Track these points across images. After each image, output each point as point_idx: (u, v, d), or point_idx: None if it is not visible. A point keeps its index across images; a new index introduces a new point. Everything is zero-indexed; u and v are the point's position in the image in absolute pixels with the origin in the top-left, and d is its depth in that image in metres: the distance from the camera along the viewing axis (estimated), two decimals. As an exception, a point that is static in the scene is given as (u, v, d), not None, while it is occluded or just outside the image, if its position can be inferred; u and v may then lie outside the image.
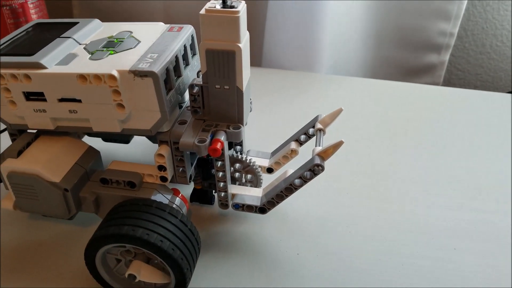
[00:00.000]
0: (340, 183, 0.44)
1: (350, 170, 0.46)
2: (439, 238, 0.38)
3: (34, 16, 0.57)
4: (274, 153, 0.39)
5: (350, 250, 0.37)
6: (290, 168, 0.35)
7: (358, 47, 0.73)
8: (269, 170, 0.39)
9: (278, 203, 0.34)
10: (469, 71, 0.81)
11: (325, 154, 0.31)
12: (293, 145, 0.37)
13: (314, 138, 0.36)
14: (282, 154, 0.38)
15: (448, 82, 0.82)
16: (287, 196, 0.33)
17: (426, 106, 0.58)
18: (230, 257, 0.36)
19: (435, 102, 0.59)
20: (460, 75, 0.81)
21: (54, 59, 0.30)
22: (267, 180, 0.37)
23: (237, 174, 0.37)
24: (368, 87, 0.63)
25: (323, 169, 0.31)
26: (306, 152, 0.35)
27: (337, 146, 0.30)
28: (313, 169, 0.31)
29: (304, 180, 0.32)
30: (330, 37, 0.66)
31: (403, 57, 0.75)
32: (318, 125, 0.35)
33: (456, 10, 0.69)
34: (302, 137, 0.37)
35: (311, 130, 0.36)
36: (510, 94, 0.62)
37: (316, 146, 0.33)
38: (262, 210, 0.34)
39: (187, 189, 0.39)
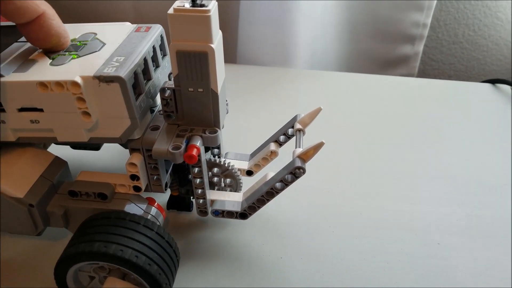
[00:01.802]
0: (321, 182, 0.43)
1: (329, 167, 0.45)
2: (424, 235, 0.37)
3: (-9, 17, 0.53)
4: (253, 154, 0.38)
5: (334, 250, 0.36)
6: (270, 169, 0.33)
7: (333, 40, 0.72)
8: (249, 173, 0.38)
9: (259, 207, 0.33)
10: (442, 61, 0.82)
11: (305, 156, 0.30)
12: (273, 146, 0.36)
13: (294, 139, 0.35)
14: (262, 156, 0.36)
15: (423, 72, 0.83)
16: (268, 200, 0.32)
17: (403, 98, 0.58)
18: (211, 264, 0.35)
19: (413, 94, 0.59)
20: (434, 65, 0.82)
21: (11, 66, 0.28)
22: (247, 182, 0.36)
23: (215, 179, 0.35)
24: (346, 81, 0.62)
25: (304, 172, 0.30)
26: (286, 153, 0.34)
27: (318, 147, 0.29)
28: (294, 172, 0.30)
29: (286, 183, 0.31)
30: (304, 31, 0.65)
31: (378, 49, 0.75)
32: (298, 125, 0.34)
33: (428, 1, 0.69)
34: (282, 137, 0.36)
35: (290, 131, 0.35)
36: (484, 84, 0.63)
37: (296, 147, 0.32)
38: (243, 215, 0.33)
39: (163, 196, 0.38)
